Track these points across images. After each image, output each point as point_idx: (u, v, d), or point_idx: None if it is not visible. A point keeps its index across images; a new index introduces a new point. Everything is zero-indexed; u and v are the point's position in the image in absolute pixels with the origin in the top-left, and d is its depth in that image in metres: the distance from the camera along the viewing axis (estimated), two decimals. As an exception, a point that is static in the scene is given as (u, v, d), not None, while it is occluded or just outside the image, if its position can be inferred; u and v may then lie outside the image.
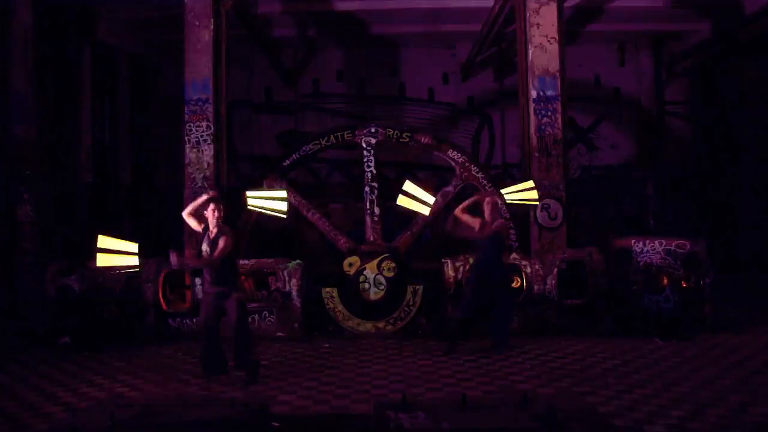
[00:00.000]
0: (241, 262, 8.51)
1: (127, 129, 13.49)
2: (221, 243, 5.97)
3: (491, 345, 7.19)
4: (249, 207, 6.45)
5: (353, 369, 6.62)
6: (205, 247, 6.11)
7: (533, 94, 8.95)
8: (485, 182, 9.17)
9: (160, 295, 8.06)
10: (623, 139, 15.24)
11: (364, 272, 8.48)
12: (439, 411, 4.03)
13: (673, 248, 8.06)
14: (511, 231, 9.08)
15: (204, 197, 6.29)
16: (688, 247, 8.05)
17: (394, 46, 15.12)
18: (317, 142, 9.31)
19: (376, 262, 8.47)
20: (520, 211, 9.19)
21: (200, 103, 9.02)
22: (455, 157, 9.24)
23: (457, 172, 9.23)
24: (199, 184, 8.92)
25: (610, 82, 15.23)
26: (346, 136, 9.21)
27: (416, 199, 6.98)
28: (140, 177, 13.97)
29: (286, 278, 8.17)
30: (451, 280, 8.11)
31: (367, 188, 9.01)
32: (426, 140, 9.26)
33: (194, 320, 8.12)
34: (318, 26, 13.72)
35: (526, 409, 3.99)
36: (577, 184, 13.72)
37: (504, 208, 8.45)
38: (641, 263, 8.12)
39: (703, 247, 8.09)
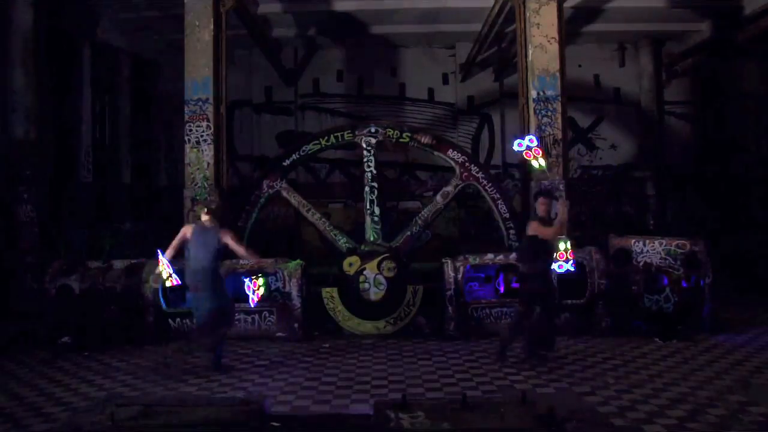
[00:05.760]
0: (241, 261, 8.53)
1: (127, 129, 13.48)
2: None
3: None
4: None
5: (353, 369, 6.62)
6: None
7: (533, 94, 8.95)
8: (485, 182, 9.17)
9: (160, 295, 8.05)
10: (623, 139, 15.24)
11: (364, 272, 8.46)
12: (439, 411, 4.03)
13: (673, 248, 8.05)
14: (511, 231, 9.08)
15: None
16: (688, 247, 8.03)
17: (394, 46, 15.12)
18: (317, 142, 9.30)
19: (376, 262, 8.46)
20: (520, 211, 9.20)
21: (200, 103, 9.03)
22: (455, 156, 9.23)
23: (457, 171, 9.22)
24: (199, 184, 8.93)
25: (610, 82, 15.24)
26: (346, 136, 9.21)
27: None
28: (140, 177, 13.97)
29: (286, 278, 8.14)
30: (451, 280, 8.11)
31: (367, 188, 9.00)
32: (426, 140, 9.25)
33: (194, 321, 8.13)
34: (318, 26, 13.71)
35: (526, 409, 3.99)
36: (577, 184, 13.72)
37: None
38: (641, 263, 8.11)
39: (703, 247, 8.07)
